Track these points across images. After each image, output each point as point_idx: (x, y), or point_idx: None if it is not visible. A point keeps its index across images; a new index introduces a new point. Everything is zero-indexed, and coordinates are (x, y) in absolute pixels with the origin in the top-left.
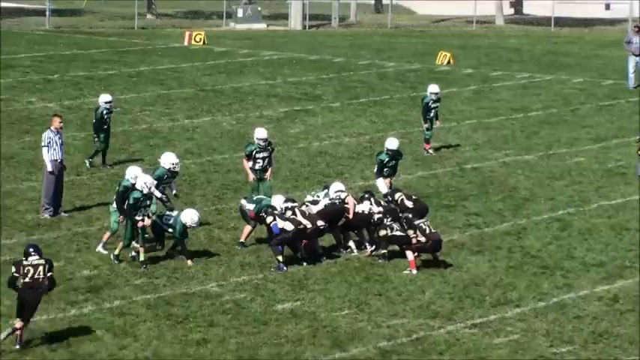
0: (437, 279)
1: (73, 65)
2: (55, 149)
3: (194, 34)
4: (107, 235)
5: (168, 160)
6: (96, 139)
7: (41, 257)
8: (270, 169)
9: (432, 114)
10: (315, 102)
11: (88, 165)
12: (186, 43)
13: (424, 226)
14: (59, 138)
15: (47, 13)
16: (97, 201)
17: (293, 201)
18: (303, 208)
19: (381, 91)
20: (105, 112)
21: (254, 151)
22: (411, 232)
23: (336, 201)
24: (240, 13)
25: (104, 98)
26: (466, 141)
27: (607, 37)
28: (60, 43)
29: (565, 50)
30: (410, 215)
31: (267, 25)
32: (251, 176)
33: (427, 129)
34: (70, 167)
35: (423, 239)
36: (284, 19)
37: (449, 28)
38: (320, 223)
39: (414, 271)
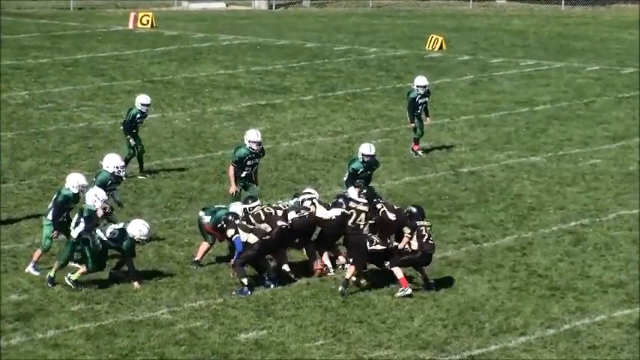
0: (428, 303)
1: None
2: None
3: (140, 15)
4: (38, 253)
5: (112, 162)
6: (130, 140)
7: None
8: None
9: (419, 110)
10: (283, 95)
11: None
12: (130, 26)
13: (424, 232)
14: None
15: None
16: (26, 213)
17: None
18: (266, 209)
19: (361, 82)
20: (138, 115)
21: (246, 158)
22: (406, 231)
23: (304, 213)
24: None
25: (142, 100)
26: (462, 140)
27: (626, 17)
28: None
29: (577, 33)
30: (414, 210)
31: (227, 5)
32: (234, 187)
33: (415, 129)
34: None
35: (414, 246)
36: None
37: (441, 7)
38: (281, 223)
39: (409, 290)
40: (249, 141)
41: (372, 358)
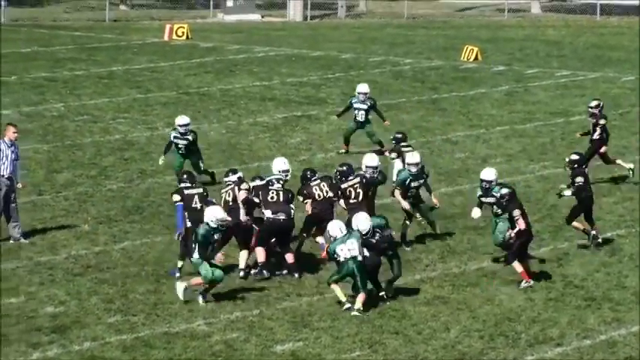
0: (464, 314)
1: (33, 65)
2: (4, 163)
3: (175, 27)
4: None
5: (276, 167)
6: (161, 161)
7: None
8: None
9: (359, 118)
10: (318, 106)
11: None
12: (166, 38)
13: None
14: (12, 151)
15: (2, 3)
16: (62, 224)
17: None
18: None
19: (396, 93)
20: (173, 136)
21: (408, 180)
22: (516, 213)
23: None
24: (229, 1)
25: (178, 121)
26: (497, 151)
27: None
28: (18, 39)
29: (613, 43)
30: (505, 193)
31: (262, 16)
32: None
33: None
34: (30, 185)
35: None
36: (282, 8)
37: (476, 18)
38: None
39: (531, 282)
40: (407, 164)
41: None
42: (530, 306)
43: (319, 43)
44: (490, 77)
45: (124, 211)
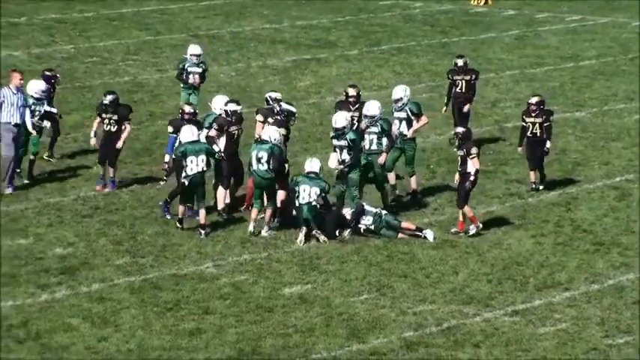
0: (472, 258)
1: (42, 6)
2: (9, 110)
3: None
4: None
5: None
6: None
7: None
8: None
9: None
10: (328, 49)
11: None
12: None
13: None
14: (19, 98)
15: None
16: (72, 167)
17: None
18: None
19: (406, 37)
20: (187, 65)
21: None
22: (474, 150)
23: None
24: None
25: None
26: (507, 95)
27: None
28: None
29: None
30: (459, 132)
31: None
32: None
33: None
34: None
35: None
36: None
37: None
38: None
39: (480, 225)
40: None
41: (416, 313)
42: (539, 250)
43: None
44: (500, 21)
45: (132, 153)
